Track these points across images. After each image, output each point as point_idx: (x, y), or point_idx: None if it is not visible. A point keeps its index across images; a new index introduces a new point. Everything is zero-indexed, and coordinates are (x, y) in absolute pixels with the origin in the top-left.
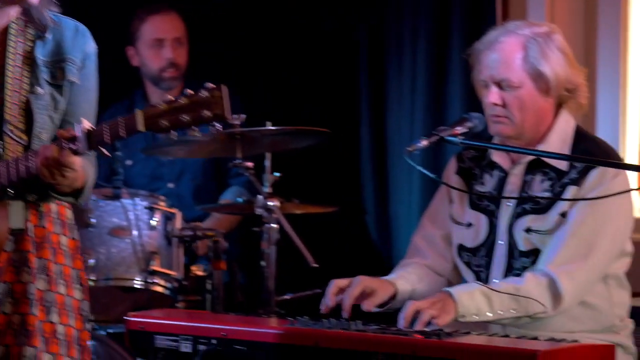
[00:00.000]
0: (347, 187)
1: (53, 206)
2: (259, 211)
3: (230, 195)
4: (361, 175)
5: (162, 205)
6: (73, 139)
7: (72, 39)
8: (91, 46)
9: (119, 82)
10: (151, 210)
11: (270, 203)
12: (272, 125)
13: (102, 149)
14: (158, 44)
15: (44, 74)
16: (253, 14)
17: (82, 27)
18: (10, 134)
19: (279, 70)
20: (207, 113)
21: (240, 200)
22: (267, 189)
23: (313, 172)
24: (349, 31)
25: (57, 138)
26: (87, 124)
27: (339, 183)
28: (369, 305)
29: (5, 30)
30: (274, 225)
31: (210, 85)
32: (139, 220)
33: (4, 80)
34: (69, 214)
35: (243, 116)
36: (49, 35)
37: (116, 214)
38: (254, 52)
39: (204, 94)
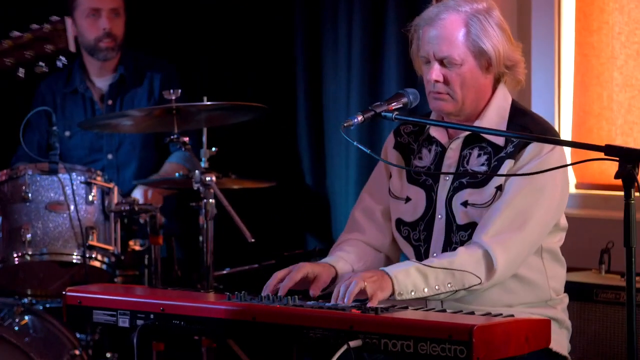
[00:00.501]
0: (284, 162)
1: None
2: (196, 186)
3: (176, 159)
4: (298, 150)
5: (99, 180)
6: None
7: None
8: None
9: None
10: (88, 185)
11: (207, 178)
12: (209, 101)
13: None
14: (94, 13)
15: None
16: None
17: None
18: None
19: (216, 44)
20: (50, 47)
21: (177, 175)
22: (204, 164)
23: (250, 147)
24: (285, 5)
25: None
26: None
27: (276, 158)
28: (315, 291)
29: None
30: (211, 201)
31: (54, 18)
32: (76, 195)
33: None
34: None
35: (179, 91)
36: None
37: (53, 188)
38: (191, 27)
39: (47, 28)
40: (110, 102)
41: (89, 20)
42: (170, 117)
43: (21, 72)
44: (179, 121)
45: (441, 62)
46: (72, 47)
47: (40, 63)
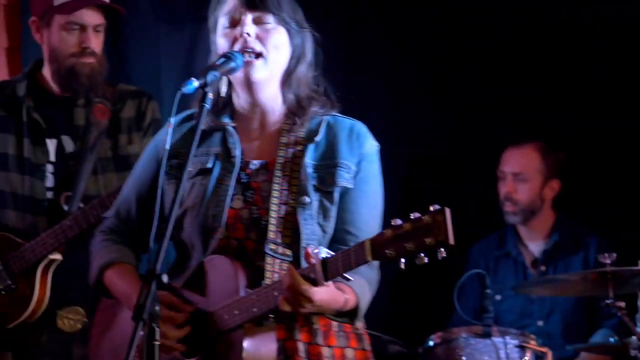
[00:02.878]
0: None
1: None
2: (633, 353)
3: (600, 338)
4: None
5: (533, 344)
6: (311, 268)
7: (346, 141)
8: (369, 146)
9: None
10: (522, 349)
11: None
12: None
13: (346, 275)
14: (502, 176)
15: (312, 180)
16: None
17: (359, 127)
18: (272, 253)
19: None
20: (429, 240)
21: (612, 340)
22: None
23: None
24: None
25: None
26: (324, 253)
27: None
28: None
29: (278, 133)
30: None
31: (434, 207)
32: (510, 359)
33: (271, 194)
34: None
35: (614, 254)
36: (320, 138)
37: (487, 352)
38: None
39: (426, 218)
40: (543, 267)
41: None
42: (604, 281)
43: (402, 263)
44: (614, 285)
45: None
46: (451, 241)
47: (419, 255)
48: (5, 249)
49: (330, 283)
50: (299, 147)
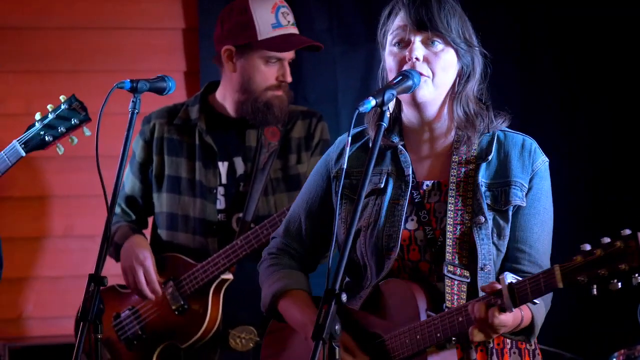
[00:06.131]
0: None
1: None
2: None
3: None
4: None
5: None
6: (498, 294)
7: (518, 158)
8: (541, 162)
9: None
10: None
11: None
12: None
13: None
14: None
15: (486, 199)
16: None
17: (529, 143)
18: (451, 275)
19: None
20: (623, 266)
21: None
22: None
23: None
24: None
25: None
26: (510, 278)
27: None
28: None
29: (449, 152)
30: None
31: (625, 232)
32: None
33: (446, 214)
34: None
35: None
36: (492, 156)
37: None
38: None
39: (619, 244)
40: None
41: None
42: None
43: (594, 289)
44: None
45: None
46: None
47: (614, 280)
48: (177, 270)
49: None
50: (471, 166)
